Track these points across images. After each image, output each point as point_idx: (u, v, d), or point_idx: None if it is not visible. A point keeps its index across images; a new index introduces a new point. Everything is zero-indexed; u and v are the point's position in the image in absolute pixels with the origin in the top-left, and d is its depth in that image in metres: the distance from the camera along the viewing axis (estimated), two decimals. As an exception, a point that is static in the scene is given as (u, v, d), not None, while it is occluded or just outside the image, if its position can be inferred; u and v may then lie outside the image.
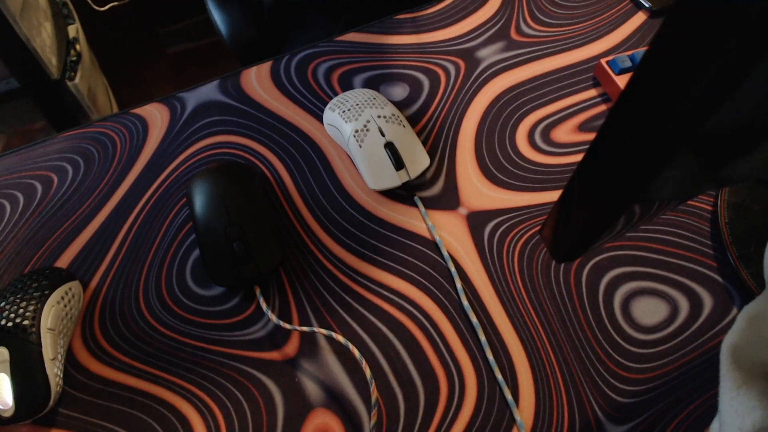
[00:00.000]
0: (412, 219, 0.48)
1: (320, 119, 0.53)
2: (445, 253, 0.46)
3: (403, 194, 0.49)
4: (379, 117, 0.49)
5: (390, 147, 0.48)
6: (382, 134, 0.48)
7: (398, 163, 0.47)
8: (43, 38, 1.09)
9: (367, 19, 0.61)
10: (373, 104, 0.50)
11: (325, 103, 0.54)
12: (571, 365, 0.41)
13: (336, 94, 0.54)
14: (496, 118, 0.53)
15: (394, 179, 0.48)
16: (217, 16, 0.82)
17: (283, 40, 0.89)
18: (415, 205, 0.48)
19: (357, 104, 0.50)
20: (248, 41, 0.82)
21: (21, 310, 0.39)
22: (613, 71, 0.53)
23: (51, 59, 1.10)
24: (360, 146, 0.48)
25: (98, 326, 0.43)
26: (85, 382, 0.41)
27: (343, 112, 0.50)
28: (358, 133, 0.48)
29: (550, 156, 0.51)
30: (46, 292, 0.40)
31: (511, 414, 0.40)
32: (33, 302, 0.40)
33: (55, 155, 0.51)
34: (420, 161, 0.49)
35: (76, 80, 1.17)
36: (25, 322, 0.38)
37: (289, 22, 0.89)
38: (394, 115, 0.50)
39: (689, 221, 0.47)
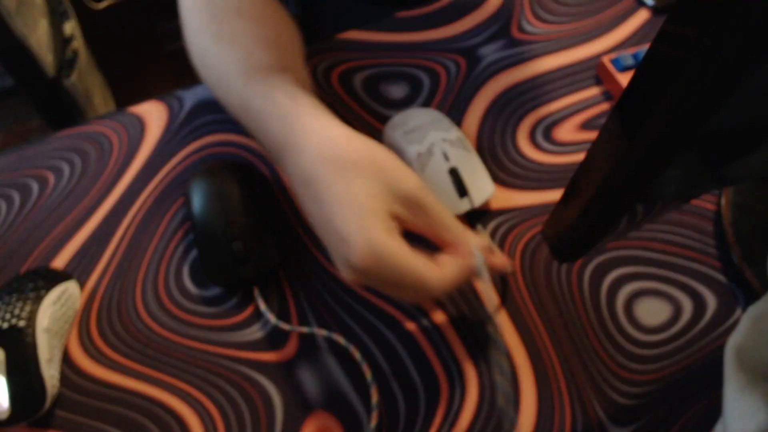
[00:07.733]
0: (412, 218, 0.47)
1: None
2: (446, 253, 0.45)
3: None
4: (444, 140, 0.46)
5: (453, 173, 0.45)
6: (447, 159, 0.46)
7: (461, 191, 0.45)
8: (38, 36, 1.08)
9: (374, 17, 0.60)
10: (438, 126, 0.47)
11: (325, 103, 0.53)
12: (573, 366, 0.41)
13: (335, 93, 0.54)
14: (497, 116, 0.52)
15: (456, 207, 0.45)
16: None
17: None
18: (474, 228, 0.46)
19: (420, 125, 0.47)
20: None
21: (17, 311, 0.38)
22: (615, 69, 0.52)
23: (47, 57, 1.10)
24: (422, 171, 0.45)
25: (95, 327, 0.43)
26: (81, 384, 0.41)
27: (406, 133, 0.47)
28: (422, 156, 0.46)
29: (552, 155, 0.50)
30: (42, 292, 0.40)
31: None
32: (29, 303, 0.39)
33: (51, 154, 0.51)
34: (483, 188, 0.46)
35: (73, 78, 1.17)
36: (21, 323, 0.38)
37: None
38: (459, 138, 0.47)
39: (692, 221, 0.47)
